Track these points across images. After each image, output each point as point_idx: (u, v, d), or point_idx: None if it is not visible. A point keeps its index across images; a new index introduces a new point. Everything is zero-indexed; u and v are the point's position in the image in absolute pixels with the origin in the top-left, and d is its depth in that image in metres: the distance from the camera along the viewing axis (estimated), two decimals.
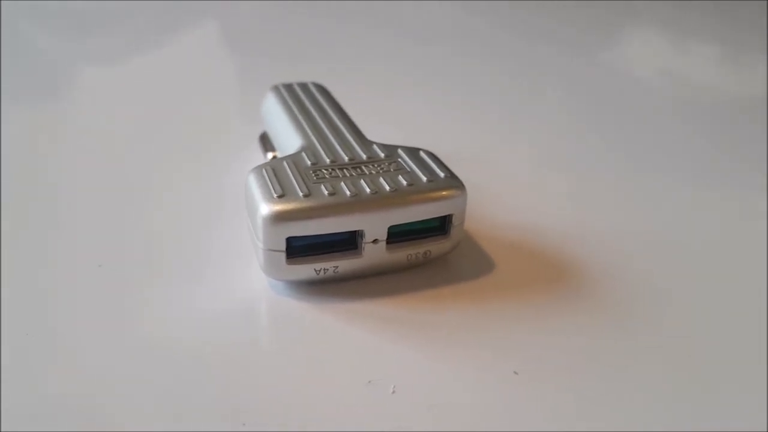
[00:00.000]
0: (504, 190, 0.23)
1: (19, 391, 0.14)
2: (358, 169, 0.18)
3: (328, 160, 0.18)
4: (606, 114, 0.31)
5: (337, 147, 0.19)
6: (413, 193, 0.17)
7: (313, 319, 0.16)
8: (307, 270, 0.17)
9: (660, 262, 0.19)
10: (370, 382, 0.15)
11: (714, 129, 0.29)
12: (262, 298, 0.17)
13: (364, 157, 0.18)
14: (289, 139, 0.20)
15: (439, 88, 0.33)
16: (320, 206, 0.16)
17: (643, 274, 0.19)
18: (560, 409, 0.14)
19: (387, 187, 0.17)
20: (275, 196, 0.16)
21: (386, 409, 0.14)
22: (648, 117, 0.30)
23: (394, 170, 0.18)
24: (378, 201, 0.16)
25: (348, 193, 0.16)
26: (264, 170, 0.17)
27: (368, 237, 0.17)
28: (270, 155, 0.21)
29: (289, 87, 0.23)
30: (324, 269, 0.17)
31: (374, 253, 0.17)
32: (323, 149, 0.18)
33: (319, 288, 0.17)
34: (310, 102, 0.22)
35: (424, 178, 0.17)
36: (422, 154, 0.18)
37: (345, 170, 0.17)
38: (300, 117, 0.21)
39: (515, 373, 0.15)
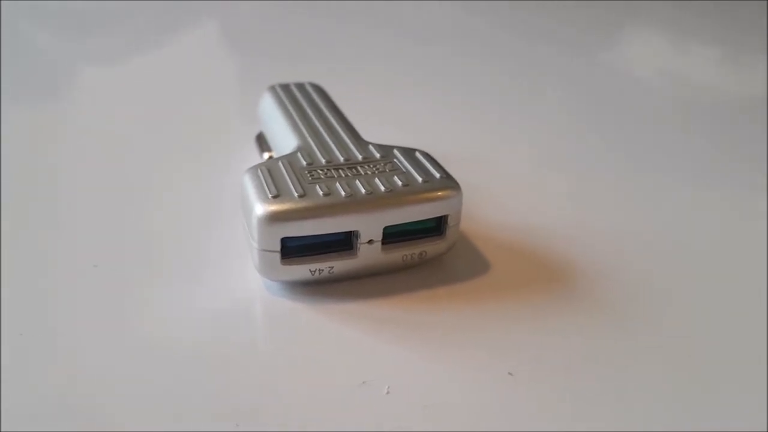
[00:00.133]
0: (504, 190, 0.23)
1: (19, 391, 0.14)
2: (354, 170, 0.17)
3: (323, 161, 0.18)
4: (606, 114, 0.31)
5: (333, 147, 0.19)
6: (409, 193, 0.17)
7: (307, 320, 0.16)
8: (302, 270, 0.17)
9: (659, 262, 0.19)
10: (364, 382, 0.15)
11: (714, 129, 0.29)
12: (256, 298, 0.17)
13: (360, 157, 0.18)
14: (284, 140, 0.20)
15: (439, 88, 0.33)
16: (315, 206, 0.16)
17: (642, 274, 0.18)
18: (556, 410, 0.14)
19: (382, 188, 0.17)
20: (270, 196, 0.16)
21: (381, 410, 0.14)
22: (648, 117, 0.30)
23: (390, 171, 0.18)
24: (373, 201, 0.16)
25: (343, 193, 0.16)
26: (259, 170, 0.17)
27: (363, 237, 0.17)
28: (266, 155, 0.21)
29: (285, 87, 0.23)
30: (319, 270, 0.17)
31: (369, 253, 0.17)
32: (319, 149, 0.18)
33: (314, 288, 0.17)
34: (306, 102, 0.22)
35: (420, 179, 0.17)
36: (418, 154, 0.18)
37: (340, 170, 0.17)
38: (296, 117, 0.21)
39: (510, 374, 0.15)
